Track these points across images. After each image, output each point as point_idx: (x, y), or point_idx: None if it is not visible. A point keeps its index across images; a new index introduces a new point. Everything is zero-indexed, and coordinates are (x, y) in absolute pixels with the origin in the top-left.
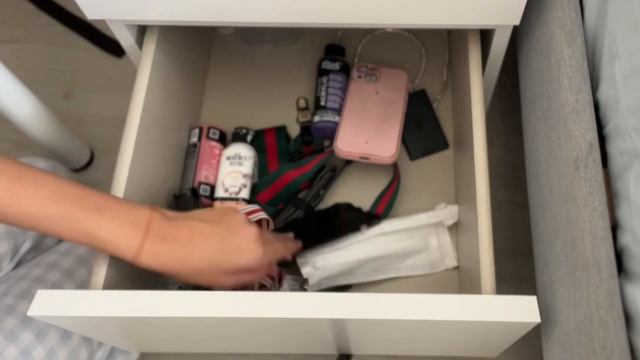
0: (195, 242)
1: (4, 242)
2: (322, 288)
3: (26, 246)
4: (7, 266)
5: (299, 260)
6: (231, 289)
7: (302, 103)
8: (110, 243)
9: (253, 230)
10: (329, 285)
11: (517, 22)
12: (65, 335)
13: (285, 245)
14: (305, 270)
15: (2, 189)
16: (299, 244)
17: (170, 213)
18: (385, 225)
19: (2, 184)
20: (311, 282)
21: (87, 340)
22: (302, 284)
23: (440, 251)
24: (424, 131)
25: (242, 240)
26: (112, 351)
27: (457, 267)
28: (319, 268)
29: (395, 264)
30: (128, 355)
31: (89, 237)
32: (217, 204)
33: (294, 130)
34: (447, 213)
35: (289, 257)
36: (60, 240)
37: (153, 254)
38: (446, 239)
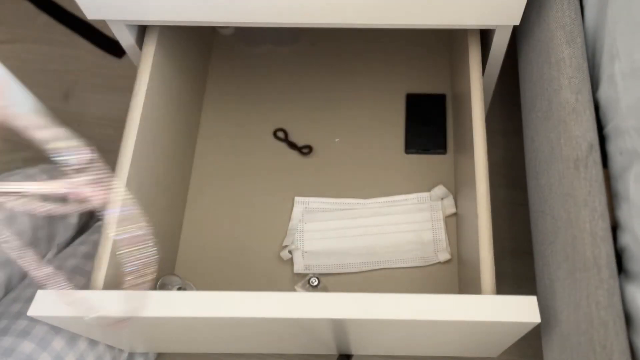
0: None
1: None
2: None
3: (49, 255)
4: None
5: (290, 248)
6: None
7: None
8: None
9: None
10: (318, 272)
11: (517, 22)
12: (93, 342)
13: None
14: (296, 255)
15: None
16: None
17: None
18: (374, 202)
19: None
20: (298, 267)
21: (110, 347)
22: (308, 280)
23: (434, 246)
24: (427, 130)
25: None
26: (132, 355)
27: (449, 261)
28: (306, 252)
29: (386, 256)
30: (146, 356)
31: None
32: None
33: (294, 131)
34: (438, 195)
35: None
36: (76, 242)
37: None
38: (441, 233)
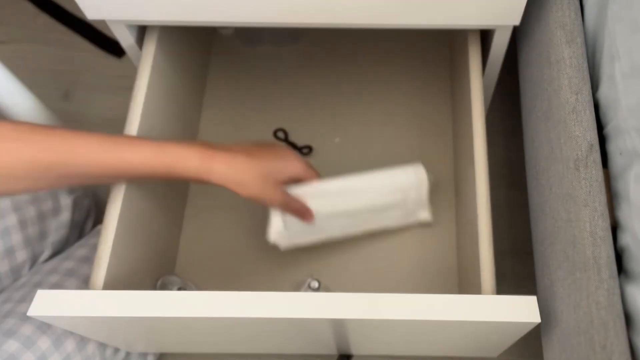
0: (252, 154)
1: (22, 250)
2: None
3: (45, 255)
4: (26, 275)
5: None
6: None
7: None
8: (189, 168)
9: (289, 150)
10: (302, 241)
11: (517, 22)
12: (82, 343)
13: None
14: (276, 226)
15: (109, 155)
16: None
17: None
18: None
19: (107, 150)
20: (280, 240)
21: (101, 349)
22: (309, 284)
23: (414, 206)
24: None
25: (286, 153)
26: (129, 356)
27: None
28: (287, 222)
29: (367, 217)
30: (144, 357)
31: (170, 170)
32: None
33: (294, 131)
34: (412, 173)
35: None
36: (75, 246)
37: (223, 167)
38: (424, 192)
